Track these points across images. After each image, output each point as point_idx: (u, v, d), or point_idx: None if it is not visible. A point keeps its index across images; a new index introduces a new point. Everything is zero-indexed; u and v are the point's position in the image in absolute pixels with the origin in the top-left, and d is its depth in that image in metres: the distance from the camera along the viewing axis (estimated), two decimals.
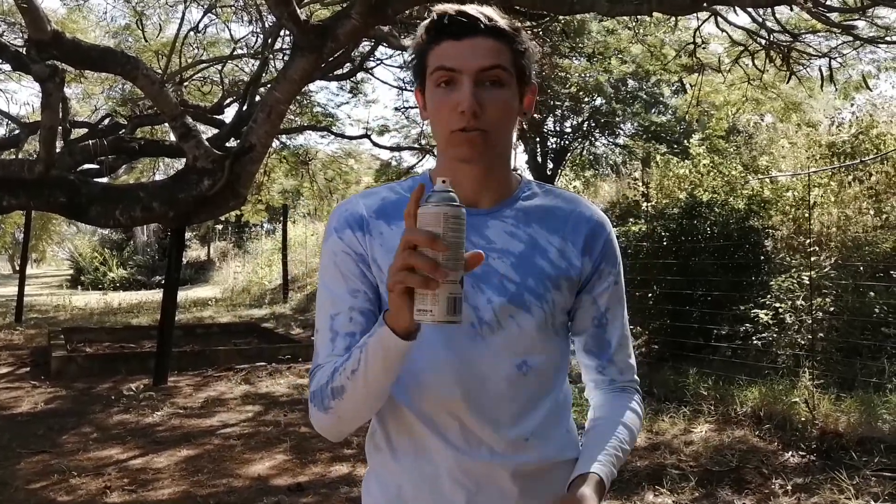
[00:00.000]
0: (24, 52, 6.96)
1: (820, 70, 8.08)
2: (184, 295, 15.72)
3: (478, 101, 1.21)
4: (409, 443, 1.28)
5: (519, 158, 24.57)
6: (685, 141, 12.42)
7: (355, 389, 1.19)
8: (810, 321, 6.30)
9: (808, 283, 6.47)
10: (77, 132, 10.19)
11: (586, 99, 14.93)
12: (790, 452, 4.89)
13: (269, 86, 8.23)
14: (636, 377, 1.42)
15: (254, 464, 5.25)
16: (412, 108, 13.83)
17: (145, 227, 24.69)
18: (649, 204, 8.48)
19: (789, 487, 4.38)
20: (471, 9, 1.24)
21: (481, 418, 1.25)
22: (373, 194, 1.35)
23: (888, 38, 7.56)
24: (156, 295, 14.04)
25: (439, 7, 1.25)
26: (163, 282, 9.35)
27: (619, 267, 1.38)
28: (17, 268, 18.64)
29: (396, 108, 18.21)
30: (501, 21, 1.25)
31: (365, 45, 10.54)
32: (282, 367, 8.76)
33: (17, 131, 10.02)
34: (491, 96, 1.22)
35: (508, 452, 1.24)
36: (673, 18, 8.94)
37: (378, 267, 1.28)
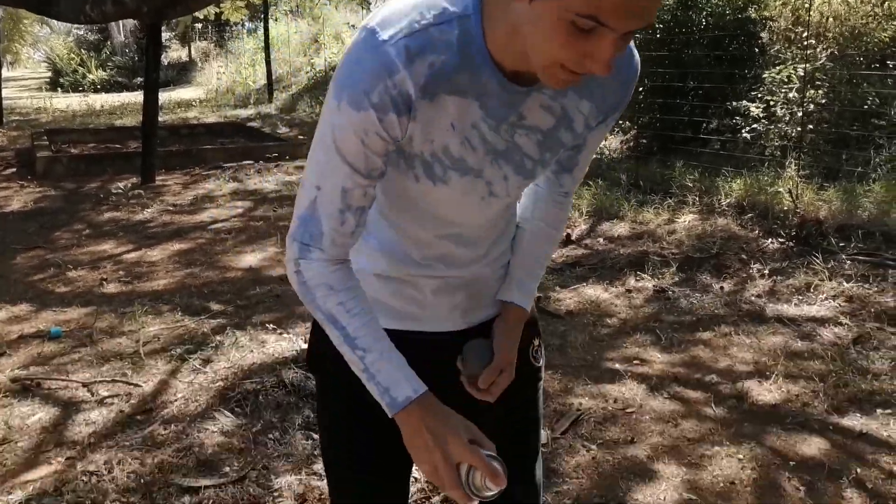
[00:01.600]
0: None
1: None
2: (167, 96, 15.41)
3: None
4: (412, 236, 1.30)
5: None
6: None
7: (341, 352, 1.19)
8: (801, 113, 6.24)
9: (802, 75, 6.35)
10: None
11: None
12: (770, 239, 5.01)
13: None
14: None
15: (245, 256, 5.36)
16: None
17: (122, 26, 23.77)
18: None
19: (766, 271, 4.53)
20: None
21: (468, 251, 1.32)
22: (420, 55, 1.08)
23: None
24: (138, 96, 13.69)
25: None
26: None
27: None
28: None
29: None
30: None
31: None
32: (269, 165, 8.75)
33: None
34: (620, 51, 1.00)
35: (483, 264, 1.34)
36: None
37: (410, 141, 1.16)
